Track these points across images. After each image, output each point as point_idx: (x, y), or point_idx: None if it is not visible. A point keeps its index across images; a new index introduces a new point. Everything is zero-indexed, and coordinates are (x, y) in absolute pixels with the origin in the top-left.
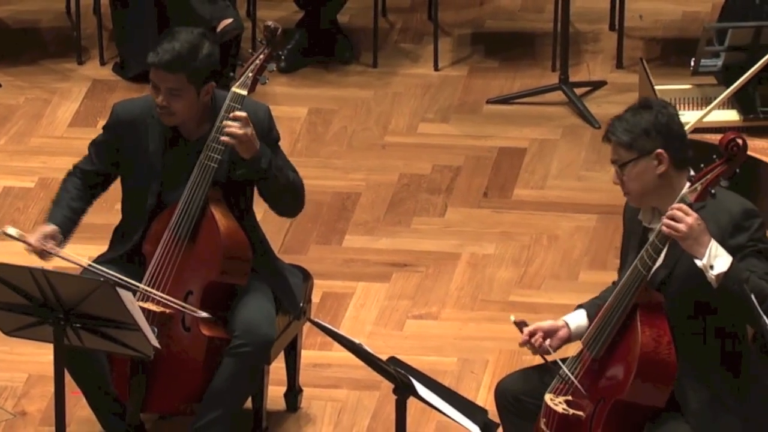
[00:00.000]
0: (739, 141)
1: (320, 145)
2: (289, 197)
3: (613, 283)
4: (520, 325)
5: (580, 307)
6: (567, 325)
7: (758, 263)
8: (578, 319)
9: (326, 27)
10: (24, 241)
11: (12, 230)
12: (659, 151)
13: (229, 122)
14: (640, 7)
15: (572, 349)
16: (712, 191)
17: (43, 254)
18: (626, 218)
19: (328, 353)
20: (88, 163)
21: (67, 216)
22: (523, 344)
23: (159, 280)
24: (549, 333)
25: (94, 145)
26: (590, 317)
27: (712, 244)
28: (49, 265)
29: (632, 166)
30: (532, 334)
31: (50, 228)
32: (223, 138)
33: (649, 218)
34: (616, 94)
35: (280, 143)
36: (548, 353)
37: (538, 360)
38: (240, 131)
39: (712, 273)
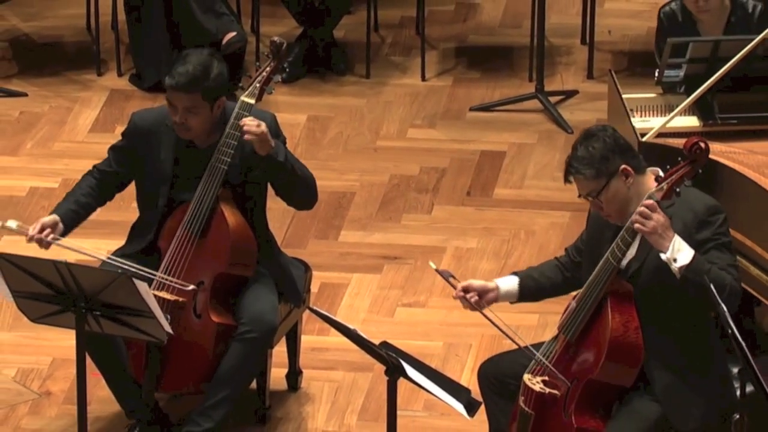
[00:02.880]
0: (702, 144)
1: (318, 148)
2: (303, 190)
3: (556, 257)
4: (444, 273)
5: (514, 274)
6: (497, 288)
7: (721, 255)
8: (509, 285)
9: (323, 41)
10: (22, 233)
11: (12, 223)
12: (623, 167)
13: (247, 121)
14: (609, 23)
15: (548, 334)
16: (677, 190)
17: (41, 243)
18: (593, 214)
19: (325, 338)
20: (106, 165)
21: (71, 209)
22: (456, 298)
23: (173, 272)
24: (480, 293)
25: (113, 149)
26: (522, 287)
27: (676, 239)
28: (72, 258)
29: (606, 191)
30: (466, 290)
31: (50, 218)
32: (247, 136)
33: None
34: (587, 102)
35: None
36: (482, 308)
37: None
38: (258, 129)
39: (676, 265)
